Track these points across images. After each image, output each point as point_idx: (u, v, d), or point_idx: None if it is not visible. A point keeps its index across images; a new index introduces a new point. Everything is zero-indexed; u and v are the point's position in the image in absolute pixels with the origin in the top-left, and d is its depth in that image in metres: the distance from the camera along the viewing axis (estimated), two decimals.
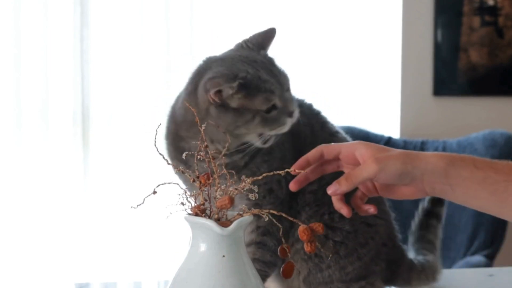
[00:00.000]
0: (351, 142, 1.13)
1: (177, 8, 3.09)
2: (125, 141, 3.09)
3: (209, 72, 1.23)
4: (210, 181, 0.98)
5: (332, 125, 1.37)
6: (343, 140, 1.34)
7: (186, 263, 0.97)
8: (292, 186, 1.14)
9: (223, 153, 1.04)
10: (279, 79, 1.24)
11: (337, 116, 3.14)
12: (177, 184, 0.97)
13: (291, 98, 1.25)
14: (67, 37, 2.99)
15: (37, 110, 2.99)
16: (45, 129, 3.01)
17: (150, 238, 3.10)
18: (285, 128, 1.22)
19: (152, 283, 1.83)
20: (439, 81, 3.34)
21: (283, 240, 1.03)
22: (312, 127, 1.33)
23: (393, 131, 3.29)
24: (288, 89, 1.25)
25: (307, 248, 0.96)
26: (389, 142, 3.10)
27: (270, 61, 1.28)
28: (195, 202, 0.97)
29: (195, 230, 0.97)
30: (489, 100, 3.40)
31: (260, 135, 1.22)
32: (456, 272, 2.02)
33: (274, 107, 1.22)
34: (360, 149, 1.09)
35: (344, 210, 1.11)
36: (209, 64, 1.27)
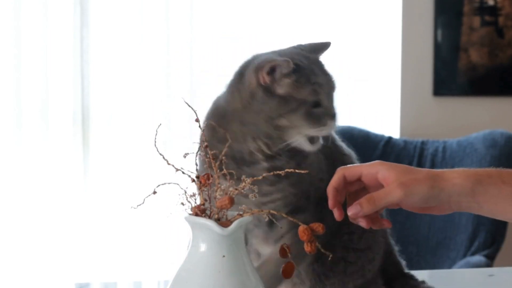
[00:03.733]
0: (371, 163, 1.11)
1: (177, 8, 3.08)
2: (125, 141, 3.09)
3: (260, 58, 1.21)
4: (210, 181, 0.98)
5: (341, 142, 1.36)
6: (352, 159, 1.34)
7: (186, 263, 0.97)
8: (338, 216, 1.11)
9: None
10: (328, 79, 1.23)
11: (337, 116, 3.14)
12: (177, 184, 0.97)
13: (334, 104, 1.23)
14: (67, 37, 2.99)
15: (37, 110, 2.99)
16: (45, 129, 3.00)
17: (150, 238, 3.10)
18: (326, 130, 1.20)
19: (152, 283, 1.83)
20: (439, 81, 3.34)
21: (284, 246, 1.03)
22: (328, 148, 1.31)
23: (393, 131, 3.29)
24: (332, 94, 1.23)
25: (307, 248, 0.97)
26: (389, 142, 3.10)
27: (321, 63, 1.26)
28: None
29: (195, 230, 0.97)
30: (489, 100, 3.40)
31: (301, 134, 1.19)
32: (456, 272, 2.02)
33: (318, 104, 1.19)
34: (382, 171, 1.07)
35: (336, 214, 1.10)
36: (256, 56, 1.25)
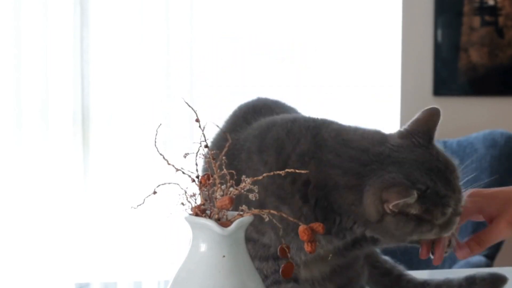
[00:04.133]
0: (469, 199, 1.09)
1: (177, 8, 3.08)
2: (125, 141, 3.09)
3: (381, 177, 1.08)
4: (210, 181, 0.98)
5: None
6: None
7: (186, 263, 0.97)
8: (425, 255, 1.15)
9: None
10: (454, 187, 1.12)
11: (337, 116, 3.14)
12: (177, 184, 0.97)
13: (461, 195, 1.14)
14: (67, 37, 2.99)
15: (37, 110, 2.99)
16: (45, 129, 3.00)
17: (150, 238, 3.10)
18: (453, 228, 1.13)
19: (152, 283, 1.83)
20: (439, 81, 3.34)
21: (283, 240, 1.03)
22: None
23: (393, 131, 3.29)
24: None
25: (307, 248, 0.96)
26: None
27: (446, 164, 1.14)
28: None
29: (195, 230, 0.97)
30: (489, 100, 3.40)
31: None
32: (456, 272, 2.01)
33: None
34: (484, 208, 1.10)
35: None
36: (382, 164, 1.11)
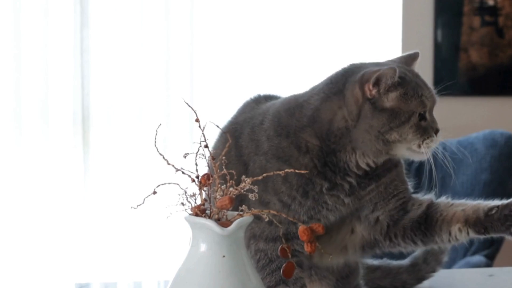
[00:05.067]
0: None
1: (177, 8, 3.08)
2: (125, 141, 3.09)
3: (362, 71, 1.21)
4: (210, 181, 0.98)
5: None
6: None
7: (186, 263, 0.97)
8: None
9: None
10: (431, 93, 1.24)
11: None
12: (177, 184, 0.97)
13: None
14: (67, 37, 2.98)
15: (37, 110, 2.99)
16: (45, 129, 3.00)
17: (150, 238, 3.10)
18: (433, 142, 1.22)
19: (152, 283, 1.83)
20: (439, 81, 3.34)
21: (283, 240, 1.03)
22: None
23: None
24: (433, 109, 1.25)
25: (307, 248, 0.97)
26: None
27: (421, 77, 1.27)
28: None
29: (195, 230, 0.97)
30: (489, 100, 3.40)
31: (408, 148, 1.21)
32: (456, 272, 2.01)
33: (424, 117, 1.21)
34: None
35: None
36: (357, 66, 1.26)
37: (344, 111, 1.20)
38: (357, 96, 1.19)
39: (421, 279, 1.51)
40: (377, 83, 1.18)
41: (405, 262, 1.52)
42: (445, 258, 1.53)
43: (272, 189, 1.21)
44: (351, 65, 1.27)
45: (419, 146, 1.20)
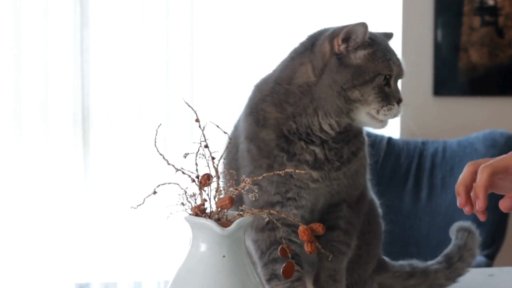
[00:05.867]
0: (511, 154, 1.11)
1: (177, 8, 3.08)
2: (125, 141, 3.09)
3: (333, 28, 1.21)
4: (210, 181, 0.98)
5: None
6: None
7: (186, 263, 0.97)
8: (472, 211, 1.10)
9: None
10: (399, 63, 1.24)
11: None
12: (177, 184, 0.97)
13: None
14: (67, 37, 2.99)
15: (37, 110, 2.99)
16: (45, 129, 3.00)
17: (150, 238, 3.10)
18: (392, 112, 1.20)
19: (152, 283, 1.83)
20: (439, 81, 3.34)
21: (283, 240, 1.03)
22: None
23: (393, 131, 3.29)
24: (398, 80, 1.24)
25: (307, 248, 0.97)
26: (389, 142, 3.10)
27: (393, 49, 1.26)
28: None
29: (195, 230, 0.97)
30: (489, 100, 3.40)
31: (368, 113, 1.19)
32: None
33: (388, 84, 1.20)
34: None
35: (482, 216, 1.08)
36: (326, 29, 1.24)
37: (307, 66, 1.20)
38: (324, 51, 1.19)
39: (457, 277, 1.47)
40: (346, 38, 1.17)
41: (439, 262, 1.47)
42: (478, 251, 1.48)
43: (244, 170, 1.21)
44: (324, 28, 1.26)
45: (378, 112, 1.19)
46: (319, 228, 0.96)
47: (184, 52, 3.10)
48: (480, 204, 1.06)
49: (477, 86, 3.36)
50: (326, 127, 1.20)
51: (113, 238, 3.09)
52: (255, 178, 0.99)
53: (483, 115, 3.34)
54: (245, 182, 0.98)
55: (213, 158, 1.00)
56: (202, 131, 1.00)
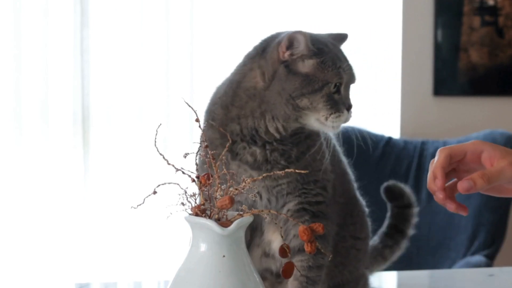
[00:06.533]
0: (473, 142, 1.11)
1: (177, 8, 3.08)
2: (125, 141, 3.09)
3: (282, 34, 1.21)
4: (210, 181, 0.98)
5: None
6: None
7: (186, 263, 0.97)
8: (465, 210, 1.10)
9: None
10: (350, 70, 1.23)
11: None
12: (177, 184, 0.97)
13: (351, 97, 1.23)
14: (67, 37, 2.99)
15: (37, 110, 2.99)
16: (45, 129, 3.01)
17: (150, 238, 3.10)
18: (342, 118, 1.19)
19: (152, 283, 1.83)
20: (439, 81, 3.34)
21: (283, 238, 1.03)
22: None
23: (393, 131, 3.29)
24: (350, 86, 1.24)
25: (307, 248, 0.96)
26: (389, 142, 3.10)
27: (345, 54, 1.26)
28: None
29: (195, 230, 0.97)
30: (489, 100, 3.40)
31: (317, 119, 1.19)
32: (456, 272, 2.02)
33: (339, 91, 1.20)
34: (488, 151, 1.07)
35: (463, 211, 1.09)
36: (279, 32, 1.24)
37: (256, 72, 1.20)
38: (274, 58, 1.19)
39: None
40: (289, 46, 1.17)
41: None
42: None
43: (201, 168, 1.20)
44: (274, 33, 1.26)
45: (326, 119, 1.18)
46: (319, 228, 0.96)
47: (184, 52, 3.10)
48: (438, 183, 1.08)
49: (477, 86, 3.37)
50: (272, 130, 1.21)
51: (113, 238, 3.09)
52: (255, 178, 0.99)
53: (483, 115, 3.34)
54: (245, 182, 0.98)
55: (213, 158, 1.00)
56: (202, 131, 1.00)
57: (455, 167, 1.12)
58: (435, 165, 1.09)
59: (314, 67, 1.18)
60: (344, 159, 1.36)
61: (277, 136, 1.21)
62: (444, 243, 2.92)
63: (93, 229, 3.07)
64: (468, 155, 1.09)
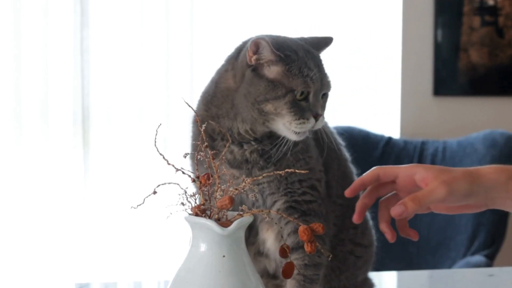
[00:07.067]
0: (408, 165, 1.12)
1: (177, 8, 3.09)
2: (125, 141, 3.09)
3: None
4: (210, 181, 0.98)
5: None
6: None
7: (186, 263, 0.97)
8: (356, 218, 1.15)
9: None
10: (322, 78, 1.22)
11: (337, 116, 3.14)
12: (177, 184, 0.97)
13: (323, 106, 1.22)
14: (67, 37, 2.99)
15: (37, 110, 2.99)
16: (45, 129, 3.01)
17: (150, 238, 3.10)
18: (307, 126, 1.18)
19: (152, 283, 1.83)
20: (439, 81, 3.34)
21: (283, 237, 1.03)
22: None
23: (393, 131, 3.29)
24: (325, 95, 1.23)
25: (307, 248, 0.96)
26: (389, 142, 3.10)
27: (320, 60, 1.25)
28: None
29: (195, 230, 0.97)
30: (489, 100, 3.40)
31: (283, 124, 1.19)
32: (456, 272, 2.02)
33: (306, 98, 1.18)
34: (420, 173, 1.08)
35: (388, 235, 1.12)
36: (259, 35, 1.25)
37: (230, 73, 1.21)
38: (244, 61, 1.20)
39: None
40: (256, 50, 1.17)
41: None
42: None
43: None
44: (259, 35, 1.25)
45: (290, 124, 1.17)
46: (319, 228, 0.96)
47: (184, 52, 3.10)
48: (347, 191, 1.14)
49: (477, 86, 3.37)
50: (243, 132, 1.21)
51: (113, 238, 3.09)
52: (255, 178, 0.99)
53: (483, 115, 3.34)
54: (245, 182, 0.98)
55: (213, 158, 1.00)
56: (202, 131, 1.00)
57: (396, 192, 1.14)
58: (358, 178, 1.13)
59: (279, 73, 1.17)
60: (348, 162, 1.34)
61: (249, 138, 1.21)
62: (444, 243, 2.92)
63: (93, 229, 3.07)
64: (401, 178, 1.10)
